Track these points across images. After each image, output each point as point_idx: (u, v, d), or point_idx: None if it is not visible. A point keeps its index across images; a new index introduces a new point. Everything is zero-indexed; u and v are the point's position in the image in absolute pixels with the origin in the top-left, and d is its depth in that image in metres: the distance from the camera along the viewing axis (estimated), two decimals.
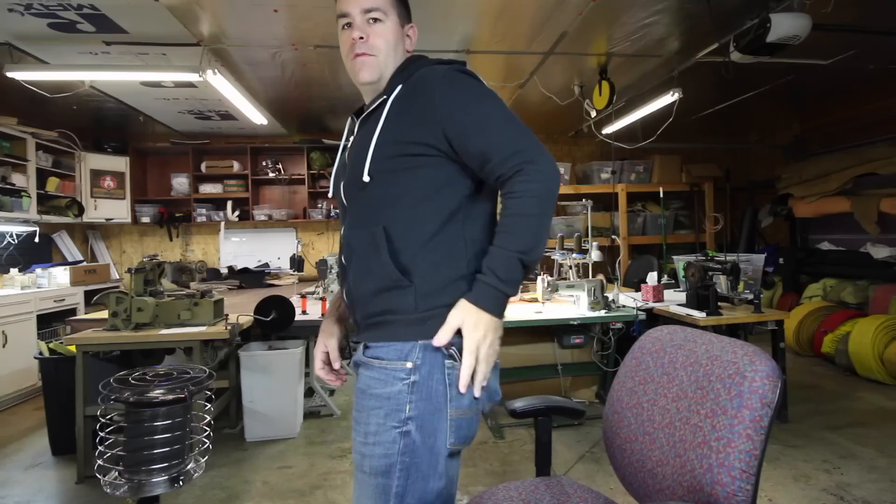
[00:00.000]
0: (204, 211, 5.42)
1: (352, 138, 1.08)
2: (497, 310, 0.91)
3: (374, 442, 0.92)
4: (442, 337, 0.91)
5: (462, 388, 0.91)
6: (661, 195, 5.29)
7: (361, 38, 1.01)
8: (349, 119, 1.12)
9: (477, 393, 0.93)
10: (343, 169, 1.08)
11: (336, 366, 1.16)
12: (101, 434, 1.16)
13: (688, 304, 3.02)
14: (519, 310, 3.08)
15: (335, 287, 3.98)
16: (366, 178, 0.96)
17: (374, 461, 0.92)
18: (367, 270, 0.97)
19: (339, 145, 1.14)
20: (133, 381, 1.21)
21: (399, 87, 0.99)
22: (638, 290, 3.57)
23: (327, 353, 1.16)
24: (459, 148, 0.93)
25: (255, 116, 4.35)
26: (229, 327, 2.55)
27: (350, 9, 1.02)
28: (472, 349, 0.90)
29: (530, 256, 0.90)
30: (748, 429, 0.85)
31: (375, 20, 1.02)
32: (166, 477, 1.18)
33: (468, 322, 0.90)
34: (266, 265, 5.46)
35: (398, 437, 0.90)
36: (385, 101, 0.99)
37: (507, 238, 0.90)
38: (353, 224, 1.01)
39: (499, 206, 0.98)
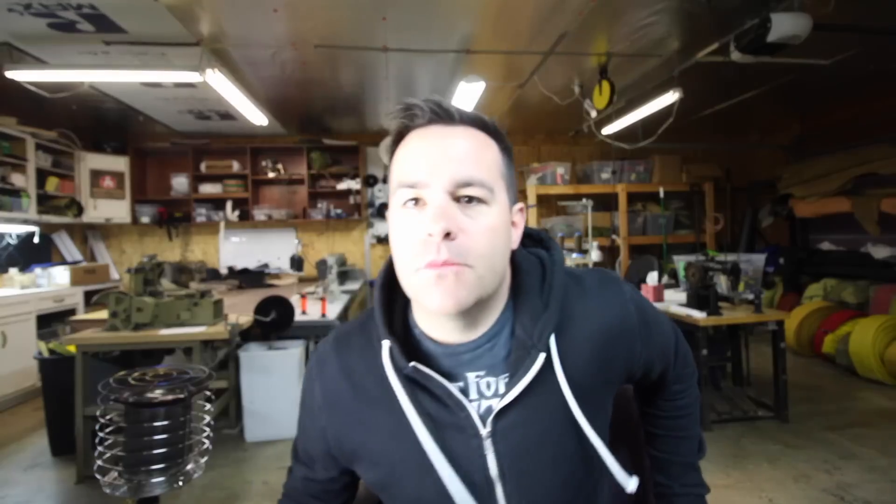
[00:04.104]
0: (204, 211, 5.42)
1: (490, 454, 0.63)
2: None
3: None
4: None
5: None
6: (662, 195, 5.29)
7: (449, 234, 0.56)
8: (403, 386, 0.63)
9: None
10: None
11: None
12: (101, 434, 1.15)
13: (688, 304, 3.02)
14: None
15: (335, 287, 3.98)
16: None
17: None
18: None
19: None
20: (132, 382, 1.20)
21: (553, 339, 0.63)
22: (638, 289, 3.56)
23: None
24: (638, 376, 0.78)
25: (255, 116, 4.35)
26: (229, 327, 2.55)
27: (426, 177, 0.58)
28: None
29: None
30: None
31: (473, 200, 0.59)
32: (166, 477, 1.17)
33: None
34: (266, 265, 5.46)
35: None
36: (546, 377, 0.63)
37: (685, 439, 0.84)
38: None
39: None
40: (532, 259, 0.70)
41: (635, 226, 5.53)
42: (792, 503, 2.18)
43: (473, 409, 0.63)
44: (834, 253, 5.09)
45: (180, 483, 1.18)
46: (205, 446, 1.26)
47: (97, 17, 2.69)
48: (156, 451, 1.14)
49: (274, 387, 2.90)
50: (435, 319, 0.65)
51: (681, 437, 0.84)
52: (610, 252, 5.28)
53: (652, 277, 3.46)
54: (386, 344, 0.64)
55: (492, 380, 0.64)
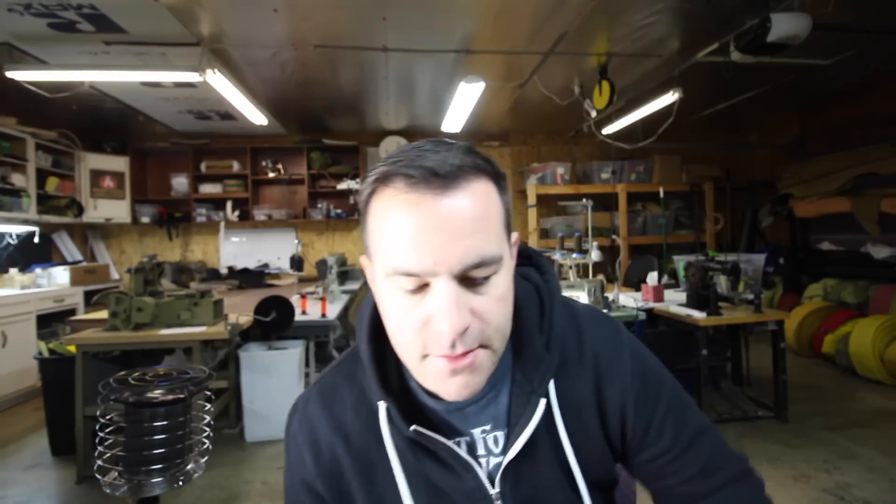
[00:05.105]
0: (204, 211, 5.42)
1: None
2: None
3: None
4: None
5: None
6: (661, 195, 5.29)
7: (467, 328, 0.50)
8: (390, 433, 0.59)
9: None
10: None
11: None
12: (101, 434, 1.15)
13: (688, 304, 3.02)
14: None
15: (335, 287, 3.98)
16: None
17: None
18: None
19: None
20: (132, 382, 1.21)
21: (552, 384, 0.60)
22: (638, 290, 3.57)
23: None
24: (640, 447, 0.64)
25: (255, 116, 4.35)
26: (229, 327, 2.55)
27: (431, 266, 0.49)
28: None
29: None
30: None
31: (484, 279, 0.52)
32: (166, 477, 1.17)
33: None
34: (266, 265, 5.46)
35: None
36: (547, 423, 0.60)
37: None
38: None
39: None
40: (528, 287, 0.64)
41: (635, 226, 5.53)
42: (791, 503, 2.18)
43: (482, 471, 0.59)
44: (834, 253, 5.09)
45: (180, 483, 1.18)
46: (205, 446, 1.26)
47: (97, 17, 2.69)
48: (156, 451, 1.14)
49: (274, 387, 2.90)
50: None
51: None
52: (610, 252, 5.28)
53: (652, 277, 3.46)
54: (382, 406, 0.58)
55: (498, 434, 0.61)
